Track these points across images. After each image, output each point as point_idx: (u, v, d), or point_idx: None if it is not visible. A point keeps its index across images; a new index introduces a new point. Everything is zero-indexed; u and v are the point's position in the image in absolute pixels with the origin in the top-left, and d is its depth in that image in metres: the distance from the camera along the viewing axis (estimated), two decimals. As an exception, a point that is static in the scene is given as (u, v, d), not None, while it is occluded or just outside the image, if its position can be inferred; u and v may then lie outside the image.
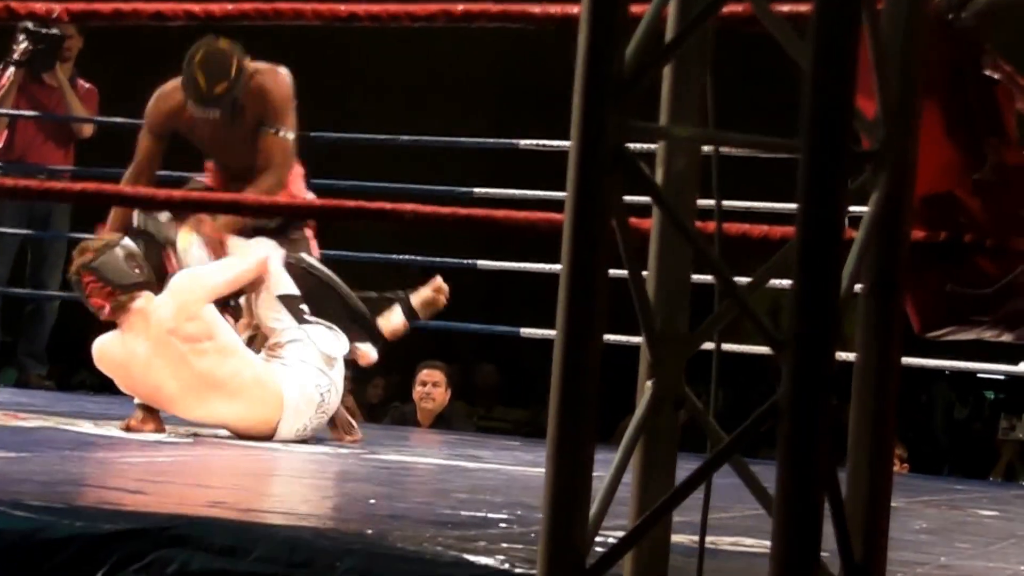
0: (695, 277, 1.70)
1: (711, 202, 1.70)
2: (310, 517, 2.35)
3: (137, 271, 4.14)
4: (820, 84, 1.46)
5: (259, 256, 4.28)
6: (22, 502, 2.11)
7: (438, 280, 4.72)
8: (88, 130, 6.64)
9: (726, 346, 5.35)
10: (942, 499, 4.17)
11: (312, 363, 4.23)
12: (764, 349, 5.63)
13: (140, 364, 4.10)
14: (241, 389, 4.11)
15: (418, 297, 4.67)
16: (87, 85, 6.64)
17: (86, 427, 4.10)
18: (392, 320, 4.61)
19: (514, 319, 6.11)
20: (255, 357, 4.21)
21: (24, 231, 6.63)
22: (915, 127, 1.62)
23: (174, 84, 4.46)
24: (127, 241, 4.21)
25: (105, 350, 4.17)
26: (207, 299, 4.14)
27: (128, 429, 4.10)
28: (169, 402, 4.13)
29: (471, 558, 1.91)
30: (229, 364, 4.10)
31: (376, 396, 8.14)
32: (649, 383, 1.64)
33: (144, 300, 4.12)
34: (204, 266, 4.27)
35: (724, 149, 1.70)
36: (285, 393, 4.15)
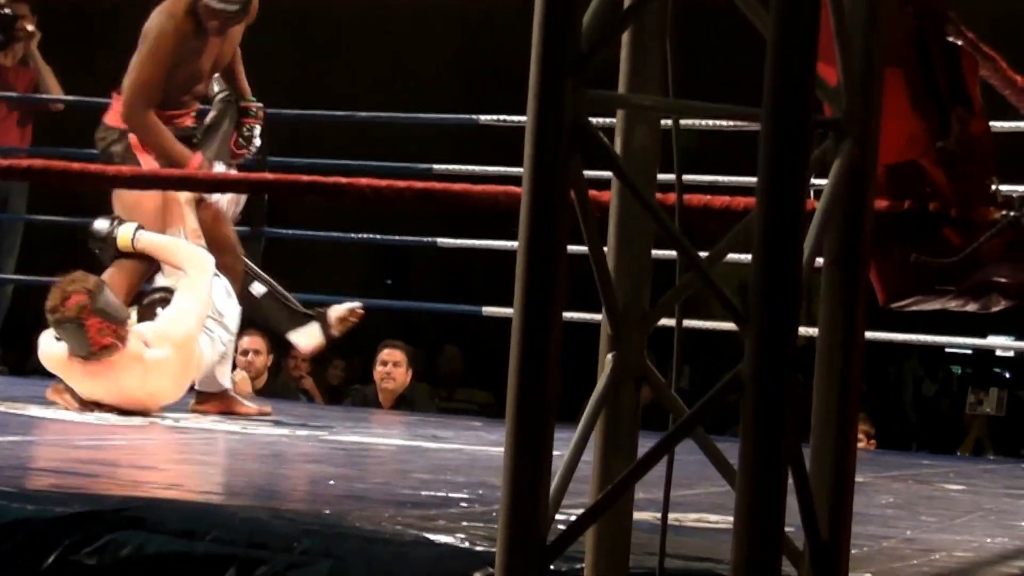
0: (658, 253, 1.70)
1: (672, 176, 1.70)
2: (268, 498, 2.35)
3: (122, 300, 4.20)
4: (781, 51, 1.46)
5: (210, 276, 4.32)
6: (-29, 487, 2.10)
7: (356, 305, 4.75)
8: (60, 106, 6.62)
9: (694, 324, 5.36)
10: (909, 474, 4.19)
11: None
12: (732, 326, 5.66)
13: (103, 379, 4.14)
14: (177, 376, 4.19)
15: (335, 312, 4.70)
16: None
17: (37, 411, 4.08)
18: (312, 336, 4.66)
19: (477, 298, 6.11)
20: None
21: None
22: (878, 95, 1.62)
23: None
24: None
25: (53, 356, 4.20)
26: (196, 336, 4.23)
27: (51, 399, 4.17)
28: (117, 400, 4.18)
29: (431, 536, 1.92)
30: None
31: (336, 378, 8.13)
32: (609, 357, 1.65)
33: (133, 336, 4.16)
34: (180, 305, 4.28)
35: (685, 121, 1.71)
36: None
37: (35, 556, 1.99)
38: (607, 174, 1.64)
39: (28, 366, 7.76)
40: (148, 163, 4.37)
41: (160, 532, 1.97)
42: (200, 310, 4.26)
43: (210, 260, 4.35)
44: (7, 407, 4.17)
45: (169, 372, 4.19)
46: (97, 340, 4.08)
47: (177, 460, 3.21)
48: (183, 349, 4.21)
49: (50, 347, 4.20)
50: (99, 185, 2.22)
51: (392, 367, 6.69)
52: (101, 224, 4.42)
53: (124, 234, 4.39)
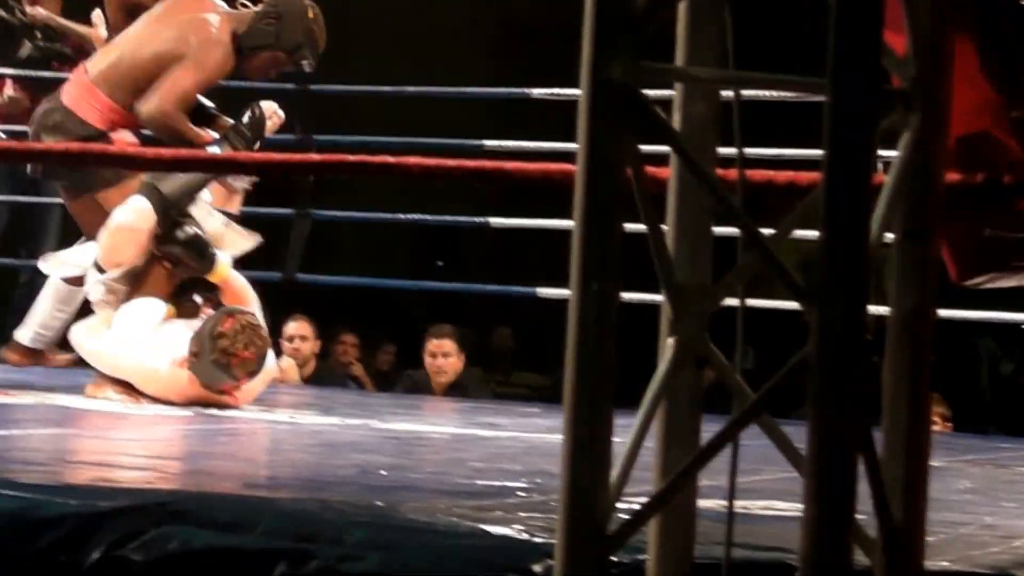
0: (719, 231, 1.70)
1: (732, 150, 1.70)
2: (317, 490, 2.37)
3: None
4: (846, 19, 1.46)
5: None
6: (13, 480, 2.12)
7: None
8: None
9: (756, 302, 5.34)
10: (986, 458, 4.17)
11: None
12: (796, 305, 5.64)
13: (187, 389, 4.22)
14: None
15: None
16: None
17: (79, 403, 4.12)
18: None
19: (531, 279, 6.11)
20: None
21: (12, 198, 6.64)
22: (948, 63, 1.61)
23: None
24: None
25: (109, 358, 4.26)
26: None
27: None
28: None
29: (487, 528, 1.92)
30: None
31: (387, 363, 8.15)
32: (670, 340, 1.65)
33: None
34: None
35: (745, 92, 1.70)
36: None
37: (79, 552, 2.01)
38: (666, 149, 1.64)
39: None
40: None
41: (207, 526, 1.98)
42: None
43: None
44: (47, 399, 4.22)
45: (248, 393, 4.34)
46: (230, 391, 4.17)
47: (223, 451, 3.23)
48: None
49: (102, 346, 4.25)
50: (138, 167, 2.23)
51: (443, 358, 6.70)
52: (203, 239, 4.45)
53: (223, 265, 4.45)
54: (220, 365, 4.11)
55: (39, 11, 6.53)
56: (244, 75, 4.61)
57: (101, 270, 4.40)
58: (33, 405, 4.06)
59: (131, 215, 4.38)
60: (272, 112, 4.59)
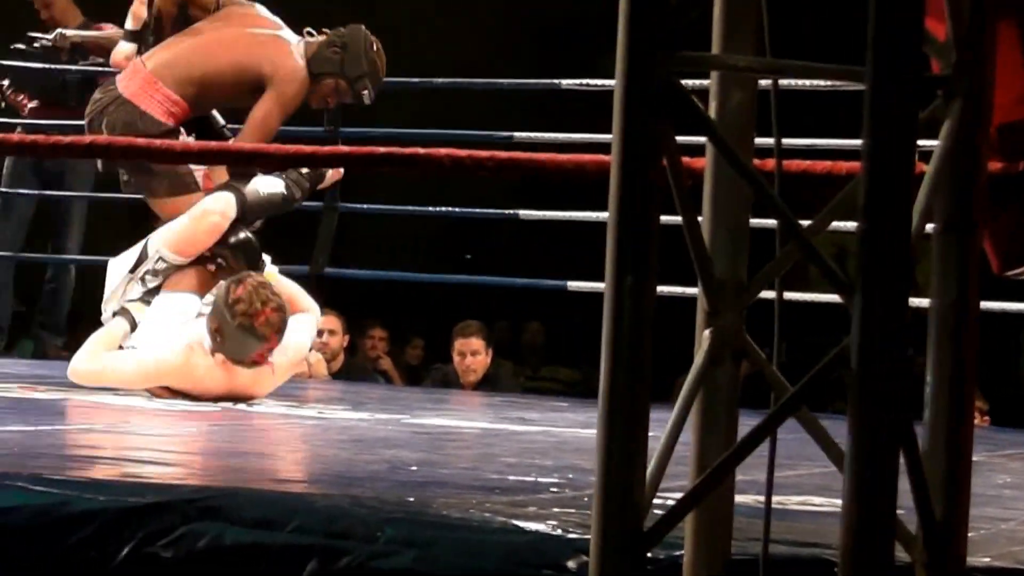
0: (754, 223, 1.69)
1: (769, 140, 1.69)
2: (348, 486, 2.36)
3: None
4: (886, 5, 1.45)
5: None
6: (42, 476, 2.12)
7: None
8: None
9: (790, 295, 5.33)
10: (1026, 453, 4.15)
11: None
12: (830, 297, 5.61)
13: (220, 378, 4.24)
14: None
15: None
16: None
17: (107, 399, 4.13)
18: None
19: (561, 273, 6.11)
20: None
21: (36, 192, 6.66)
22: (989, 50, 1.60)
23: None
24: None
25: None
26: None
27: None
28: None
29: (521, 524, 1.92)
30: None
31: (416, 358, 8.16)
32: (707, 333, 1.64)
33: None
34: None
35: (783, 82, 1.69)
36: None
37: (108, 548, 2.01)
38: (701, 139, 1.63)
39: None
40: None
41: (237, 523, 1.98)
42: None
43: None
44: (75, 394, 4.23)
45: (279, 376, 4.33)
46: (262, 358, 4.15)
47: (252, 447, 3.23)
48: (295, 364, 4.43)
49: (108, 362, 4.26)
50: (165, 160, 2.23)
51: (471, 357, 6.71)
52: (255, 246, 4.47)
53: (271, 272, 4.48)
54: (245, 329, 4.08)
55: (64, 34, 6.54)
56: (305, 101, 4.64)
57: (140, 265, 4.40)
58: (61, 400, 4.07)
59: (222, 204, 4.41)
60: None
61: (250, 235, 4.45)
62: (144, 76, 4.54)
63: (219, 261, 4.42)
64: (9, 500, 2.06)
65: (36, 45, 6.48)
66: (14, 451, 2.63)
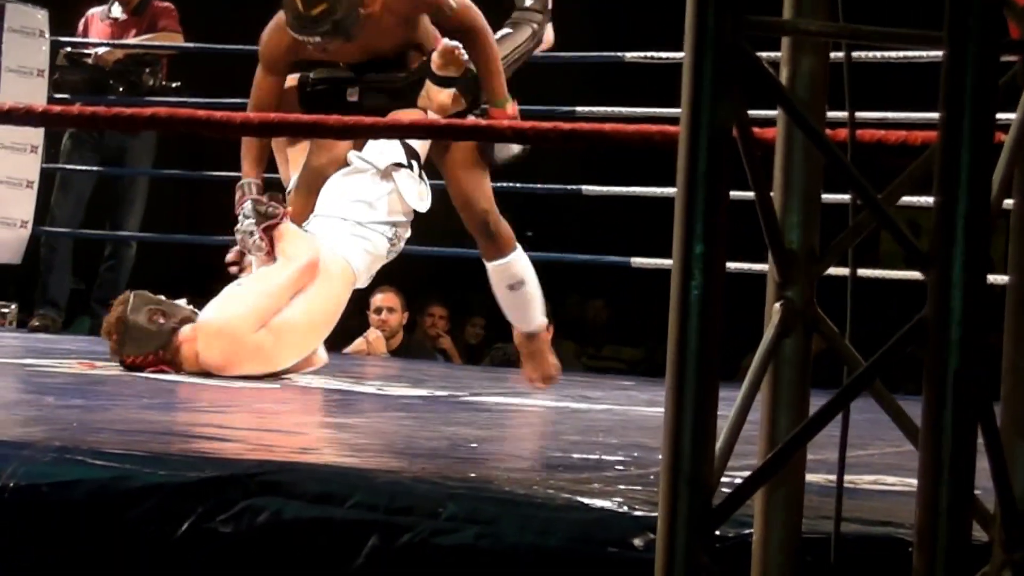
0: (826, 198, 1.67)
1: (839, 114, 1.67)
2: (409, 462, 2.36)
3: (161, 320, 4.20)
4: (964, -33, 1.42)
5: (307, 259, 4.28)
6: (102, 450, 2.13)
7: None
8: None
9: (842, 271, 5.28)
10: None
11: None
12: (900, 274, 5.58)
13: None
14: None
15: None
16: (163, 4, 6.72)
17: (160, 375, 4.15)
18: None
19: (624, 249, 6.08)
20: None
21: (95, 168, 6.70)
22: (1072, 14, 1.57)
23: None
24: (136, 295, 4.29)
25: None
26: (252, 330, 4.18)
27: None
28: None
29: (586, 500, 1.90)
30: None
31: (475, 336, 8.17)
32: (777, 306, 1.62)
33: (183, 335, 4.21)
34: (236, 292, 4.29)
35: (855, 54, 1.67)
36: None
37: (168, 524, 2.01)
38: (769, 113, 1.61)
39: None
40: None
41: (298, 498, 1.97)
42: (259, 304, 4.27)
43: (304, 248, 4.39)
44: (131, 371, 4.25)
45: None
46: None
47: (311, 423, 3.24)
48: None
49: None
50: (226, 132, 2.23)
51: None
52: None
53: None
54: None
55: (101, 52, 6.59)
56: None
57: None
58: (118, 377, 4.09)
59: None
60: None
61: None
62: None
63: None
64: (70, 474, 2.07)
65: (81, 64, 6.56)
66: (73, 426, 2.64)
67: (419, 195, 4.38)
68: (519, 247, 4.53)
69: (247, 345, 4.14)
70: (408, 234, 4.46)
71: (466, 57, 4.31)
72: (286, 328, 4.18)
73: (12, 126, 6.42)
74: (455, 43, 4.29)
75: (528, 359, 4.64)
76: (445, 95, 4.32)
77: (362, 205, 4.33)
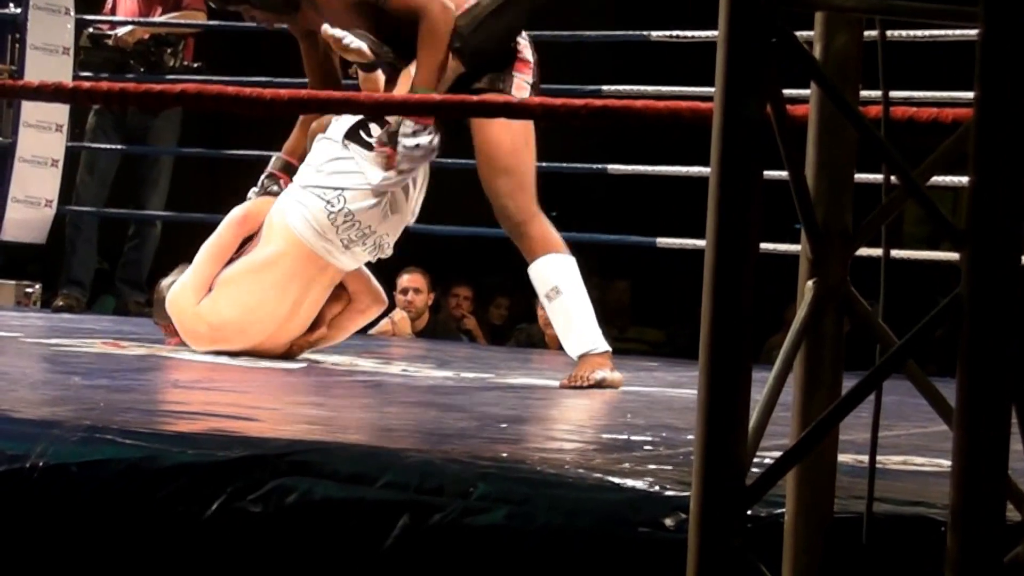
0: (858, 177, 1.67)
1: (871, 93, 1.66)
2: (438, 442, 2.36)
3: None
4: (1001, -57, 1.42)
5: (235, 215, 4.32)
6: (131, 430, 2.13)
7: None
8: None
9: (872, 252, 5.28)
10: None
11: None
12: (926, 254, 5.55)
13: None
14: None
15: None
16: None
17: (188, 355, 4.16)
18: None
19: (649, 229, 6.07)
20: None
21: (117, 147, 6.71)
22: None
23: None
24: None
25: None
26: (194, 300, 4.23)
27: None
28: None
29: (616, 480, 1.91)
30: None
31: (500, 317, 8.17)
32: (810, 284, 1.62)
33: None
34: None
35: (892, 32, 1.66)
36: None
37: (197, 503, 2.01)
38: (799, 92, 1.60)
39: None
40: None
41: (328, 477, 1.98)
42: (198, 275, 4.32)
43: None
44: (158, 350, 4.26)
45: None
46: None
47: (338, 403, 3.24)
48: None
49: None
50: (256, 110, 2.22)
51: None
52: None
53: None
54: None
55: (121, 33, 6.60)
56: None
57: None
58: (144, 356, 4.10)
59: None
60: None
61: None
62: None
63: None
64: (99, 454, 2.08)
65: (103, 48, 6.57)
66: (100, 406, 2.64)
67: (378, 165, 4.18)
68: (559, 253, 4.07)
69: (191, 315, 4.21)
70: (370, 204, 4.21)
71: (356, 45, 4.12)
72: (223, 282, 4.22)
73: (37, 104, 6.44)
74: (334, 32, 4.12)
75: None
76: (373, 81, 4.26)
77: (309, 169, 4.28)
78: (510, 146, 4.01)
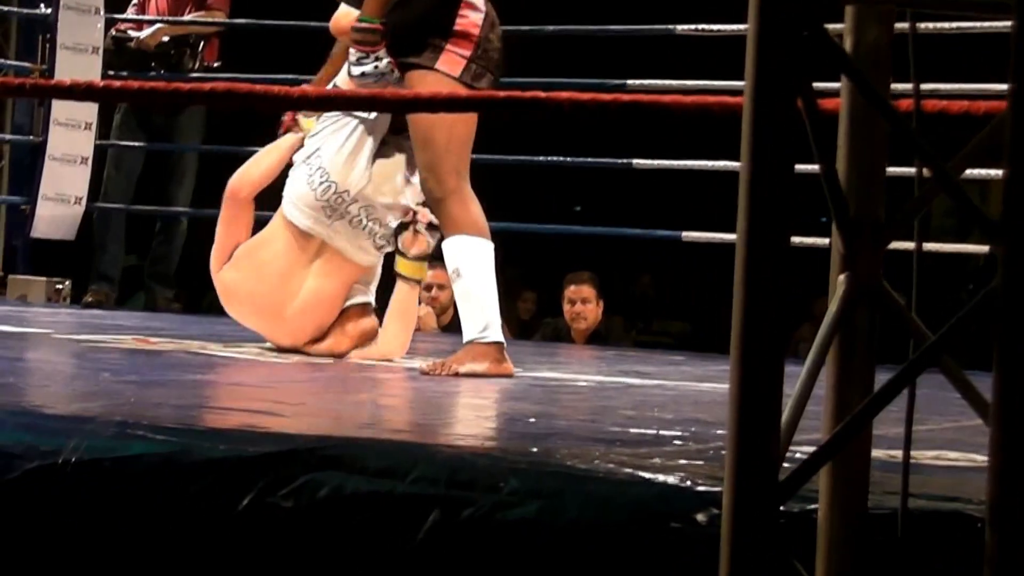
0: (890, 171, 1.65)
1: (902, 86, 1.65)
2: (468, 437, 2.35)
3: None
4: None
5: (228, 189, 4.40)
6: (162, 425, 2.13)
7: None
8: None
9: (902, 245, 5.24)
10: None
11: None
12: (957, 247, 5.52)
13: None
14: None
15: None
16: None
17: (218, 350, 4.16)
18: None
19: (674, 223, 6.05)
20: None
21: (139, 143, 6.72)
22: None
23: None
24: None
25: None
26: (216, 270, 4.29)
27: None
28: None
29: (647, 475, 1.89)
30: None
31: (527, 312, 8.16)
32: (842, 277, 1.60)
33: None
34: None
35: (922, 24, 1.65)
36: None
37: (229, 498, 2.01)
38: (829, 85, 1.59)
39: (203, 303, 7.94)
40: None
41: (358, 472, 1.97)
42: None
43: None
44: (187, 346, 4.26)
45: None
46: None
47: (367, 398, 3.23)
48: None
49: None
50: (283, 107, 2.21)
51: (581, 304, 6.68)
52: None
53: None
54: None
55: (143, 36, 6.61)
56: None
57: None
58: (174, 352, 4.10)
59: None
60: None
61: None
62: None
63: None
64: (132, 449, 2.07)
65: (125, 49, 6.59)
66: (131, 401, 2.64)
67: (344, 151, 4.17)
68: (468, 235, 3.98)
69: (216, 280, 4.26)
70: (339, 149, 4.14)
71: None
72: (237, 254, 4.26)
73: (67, 103, 6.45)
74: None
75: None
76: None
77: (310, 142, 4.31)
78: (427, 120, 3.89)
